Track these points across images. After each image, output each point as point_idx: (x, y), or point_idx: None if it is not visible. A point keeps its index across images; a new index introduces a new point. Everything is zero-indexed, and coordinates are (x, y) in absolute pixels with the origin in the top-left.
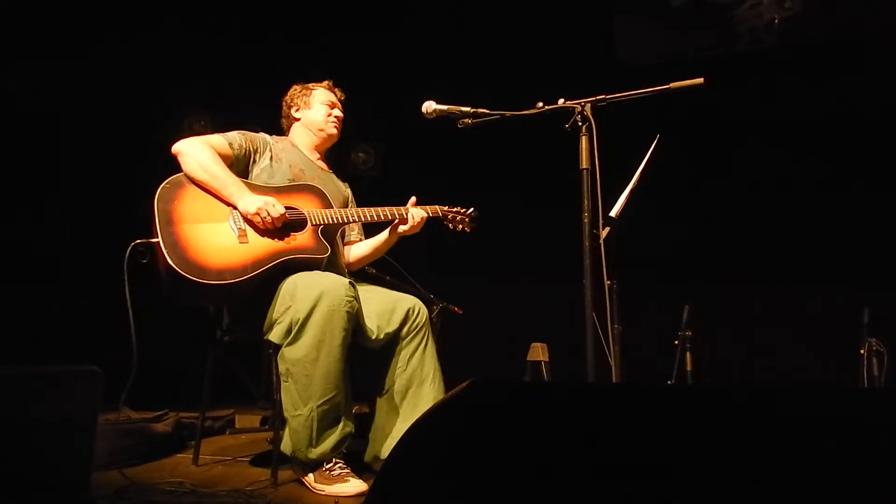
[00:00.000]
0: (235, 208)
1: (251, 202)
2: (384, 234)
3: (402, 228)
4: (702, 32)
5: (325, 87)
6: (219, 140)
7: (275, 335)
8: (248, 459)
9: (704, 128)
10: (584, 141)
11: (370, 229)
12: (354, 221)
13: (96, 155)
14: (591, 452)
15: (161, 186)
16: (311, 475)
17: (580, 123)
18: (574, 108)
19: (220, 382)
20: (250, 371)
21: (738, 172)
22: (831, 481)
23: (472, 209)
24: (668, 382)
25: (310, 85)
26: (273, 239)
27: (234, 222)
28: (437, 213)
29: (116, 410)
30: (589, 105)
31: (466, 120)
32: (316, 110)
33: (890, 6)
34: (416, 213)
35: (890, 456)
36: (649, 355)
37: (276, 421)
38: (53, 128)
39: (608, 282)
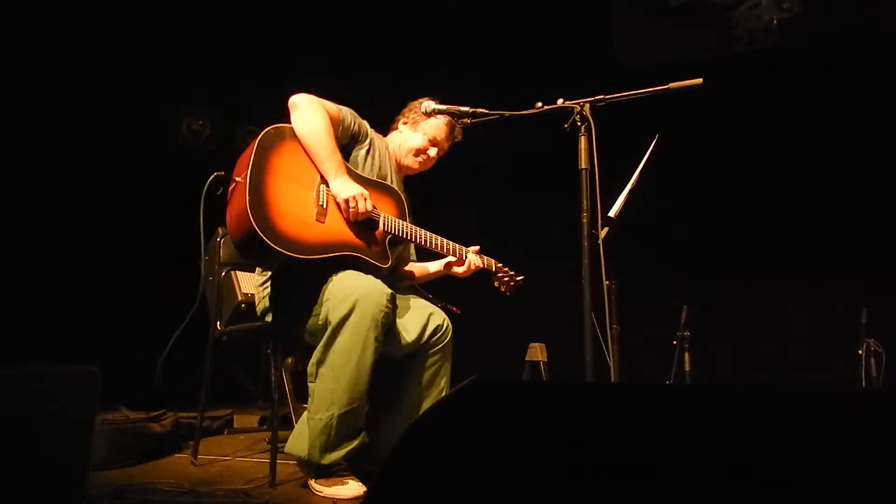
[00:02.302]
0: (324, 183)
1: (346, 187)
2: (436, 266)
3: (456, 269)
4: (701, 33)
5: (444, 124)
6: (335, 109)
7: (314, 334)
8: (247, 459)
9: (703, 128)
10: (582, 141)
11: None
12: (418, 242)
13: (97, 152)
14: (590, 452)
15: (265, 131)
16: (312, 477)
17: (579, 123)
18: (573, 108)
19: (219, 382)
20: (248, 371)
21: (736, 172)
22: (830, 482)
23: (521, 277)
24: (667, 382)
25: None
26: (347, 227)
27: (320, 196)
28: (491, 267)
29: (115, 409)
30: (588, 105)
31: (465, 120)
32: (416, 138)
33: (889, 6)
34: (474, 260)
35: (888, 457)
36: (648, 355)
37: (273, 421)
38: (53, 127)
39: (607, 282)
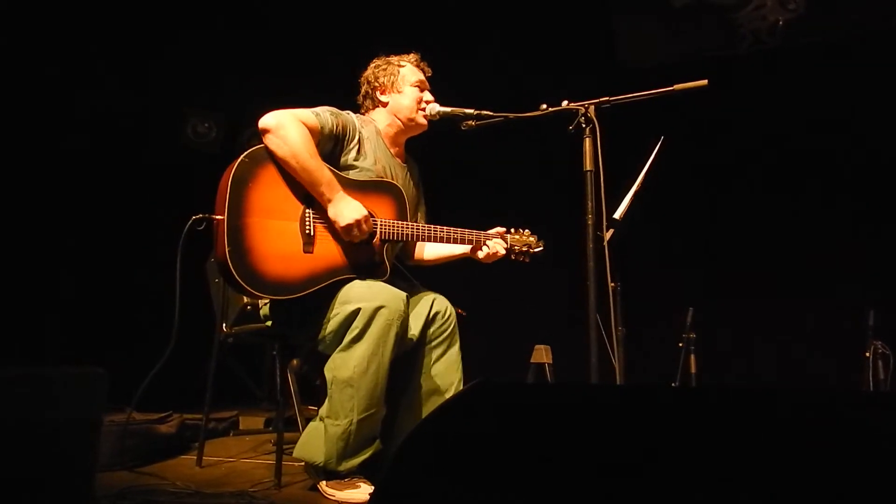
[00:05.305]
0: (309, 208)
1: (345, 211)
2: (460, 250)
3: (480, 255)
4: (705, 34)
5: (413, 64)
6: (312, 120)
7: (325, 342)
8: (252, 461)
9: (708, 129)
10: (587, 143)
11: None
12: (421, 239)
13: (101, 157)
14: (595, 453)
15: (240, 160)
16: (323, 480)
17: (584, 125)
18: (578, 109)
19: (224, 384)
20: (254, 373)
21: (742, 173)
22: (836, 484)
23: (540, 248)
24: (672, 384)
25: (393, 59)
26: (337, 250)
27: (306, 225)
28: (505, 240)
29: (122, 411)
30: (592, 107)
31: (470, 122)
32: (406, 95)
33: (894, 7)
34: (496, 246)
35: (895, 459)
36: (653, 357)
37: (279, 423)
38: (57, 127)
39: (612, 284)
